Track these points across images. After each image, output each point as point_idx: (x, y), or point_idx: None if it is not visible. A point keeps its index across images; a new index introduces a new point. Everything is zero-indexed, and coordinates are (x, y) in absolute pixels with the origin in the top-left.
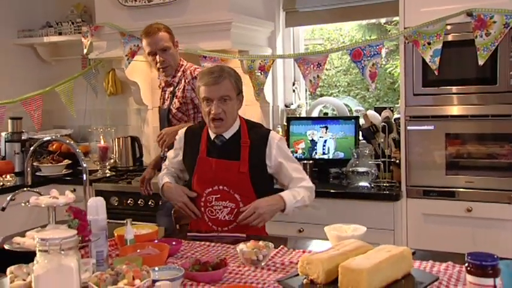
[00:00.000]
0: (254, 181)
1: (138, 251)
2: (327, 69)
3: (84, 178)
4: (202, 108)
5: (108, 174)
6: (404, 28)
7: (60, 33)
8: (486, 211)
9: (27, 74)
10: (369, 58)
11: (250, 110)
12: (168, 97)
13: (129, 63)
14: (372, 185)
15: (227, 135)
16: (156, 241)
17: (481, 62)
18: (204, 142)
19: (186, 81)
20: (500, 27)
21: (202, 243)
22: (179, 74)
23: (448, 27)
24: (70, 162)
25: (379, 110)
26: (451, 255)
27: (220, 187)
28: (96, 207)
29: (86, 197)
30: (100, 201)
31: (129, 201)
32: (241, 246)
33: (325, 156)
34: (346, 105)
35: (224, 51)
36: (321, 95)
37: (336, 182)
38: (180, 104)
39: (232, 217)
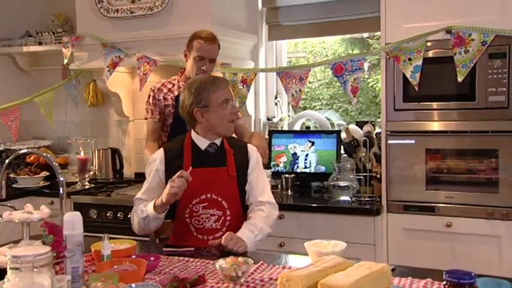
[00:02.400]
0: (240, 186)
1: (115, 267)
2: (310, 82)
3: (61, 191)
4: (215, 116)
5: (87, 187)
6: (386, 44)
7: (40, 43)
8: (465, 226)
9: (6, 84)
10: (351, 73)
11: None
12: None
13: (110, 74)
14: (353, 200)
15: (218, 142)
16: (134, 256)
17: (460, 79)
18: (188, 155)
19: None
20: (478, 45)
21: (181, 258)
22: None
23: (429, 43)
24: (48, 174)
25: (361, 124)
26: (430, 272)
27: (208, 195)
28: (72, 222)
29: (63, 211)
30: (76, 215)
31: (108, 214)
32: (221, 262)
33: (307, 170)
34: (328, 119)
35: None
36: (304, 108)
37: (318, 195)
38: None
39: (219, 225)
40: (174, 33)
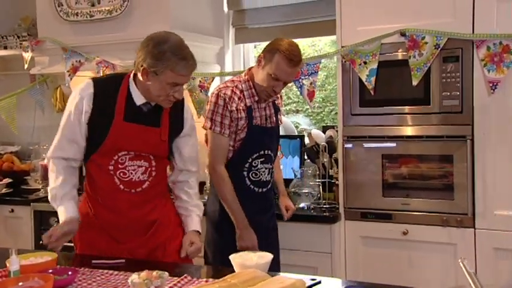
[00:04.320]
0: (170, 147)
1: (20, 284)
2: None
3: None
4: (156, 87)
5: None
6: (342, 47)
7: (5, 48)
8: (421, 234)
9: None
10: (307, 77)
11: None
12: (271, 114)
13: (70, 79)
14: (312, 207)
15: (153, 103)
16: (50, 271)
17: (414, 83)
18: (122, 105)
19: (280, 96)
20: (431, 48)
21: (106, 271)
22: None
23: (385, 46)
24: (11, 181)
25: (327, 129)
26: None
27: (137, 153)
28: None
29: None
30: None
31: None
32: (133, 276)
33: None
34: (298, 124)
35: None
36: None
37: None
38: (281, 122)
39: (146, 176)
40: (133, 36)
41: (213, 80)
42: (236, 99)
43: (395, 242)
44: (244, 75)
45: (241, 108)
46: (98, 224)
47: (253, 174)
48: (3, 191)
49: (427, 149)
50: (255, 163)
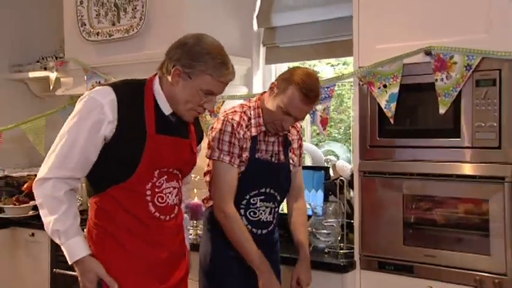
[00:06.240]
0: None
1: None
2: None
3: None
4: (187, 92)
5: None
6: (359, 67)
7: (45, 69)
8: None
9: (19, 109)
10: (320, 102)
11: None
12: (279, 150)
13: None
14: (326, 250)
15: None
16: None
17: (442, 111)
18: (152, 116)
19: (298, 130)
20: (462, 69)
21: None
22: None
23: (408, 67)
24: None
25: None
26: None
27: (171, 170)
28: None
29: None
30: None
31: None
32: None
33: None
34: (332, 153)
35: None
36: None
37: None
38: (296, 160)
39: (177, 199)
40: (150, 57)
41: (223, 103)
42: (244, 126)
43: None
44: (255, 101)
45: (247, 137)
46: (134, 268)
47: (252, 213)
48: (30, 213)
49: (456, 191)
50: (253, 200)
